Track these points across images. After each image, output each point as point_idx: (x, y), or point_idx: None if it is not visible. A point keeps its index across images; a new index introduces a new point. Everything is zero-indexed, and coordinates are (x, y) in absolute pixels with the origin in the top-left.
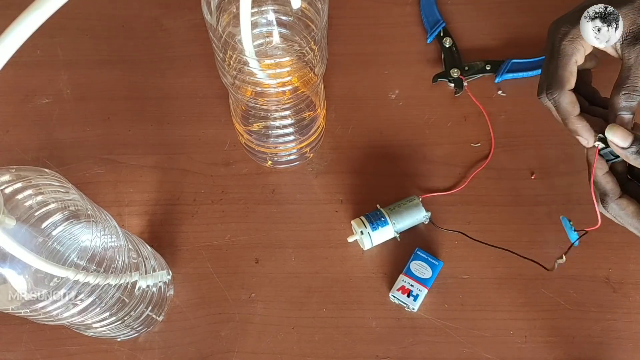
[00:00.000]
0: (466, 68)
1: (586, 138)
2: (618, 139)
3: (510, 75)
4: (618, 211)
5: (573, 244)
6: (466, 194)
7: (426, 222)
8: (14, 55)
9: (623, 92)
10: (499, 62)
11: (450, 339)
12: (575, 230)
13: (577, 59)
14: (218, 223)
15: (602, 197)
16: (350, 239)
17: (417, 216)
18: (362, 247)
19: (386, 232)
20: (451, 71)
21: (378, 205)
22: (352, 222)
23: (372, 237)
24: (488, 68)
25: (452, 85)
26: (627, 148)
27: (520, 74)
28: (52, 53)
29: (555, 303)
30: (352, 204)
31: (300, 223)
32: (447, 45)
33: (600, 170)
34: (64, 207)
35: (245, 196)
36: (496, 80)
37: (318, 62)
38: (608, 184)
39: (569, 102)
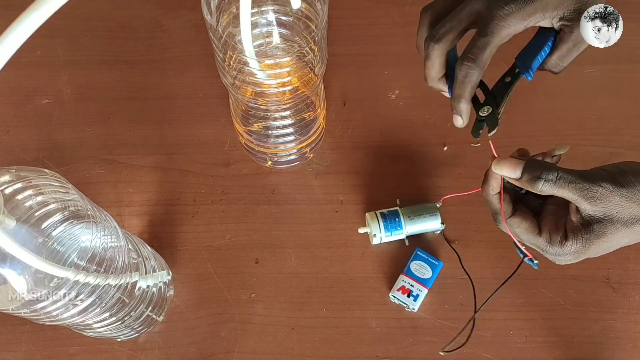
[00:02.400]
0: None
1: (463, 120)
2: (507, 171)
3: None
4: (513, 229)
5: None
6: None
7: (437, 233)
8: (14, 56)
9: (460, 61)
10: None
11: (450, 338)
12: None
13: (503, 42)
14: (218, 223)
15: (495, 216)
16: (361, 230)
17: (432, 227)
18: (370, 239)
19: (397, 236)
20: (480, 110)
21: (398, 202)
22: (367, 215)
23: (382, 240)
24: (507, 80)
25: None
26: (520, 178)
27: None
28: (52, 53)
29: (555, 303)
30: (352, 204)
31: (300, 223)
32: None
33: (493, 189)
34: (64, 208)
35: (245, 196)
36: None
37: (318, 63)
38: (498, 203)
39: (477, 82)
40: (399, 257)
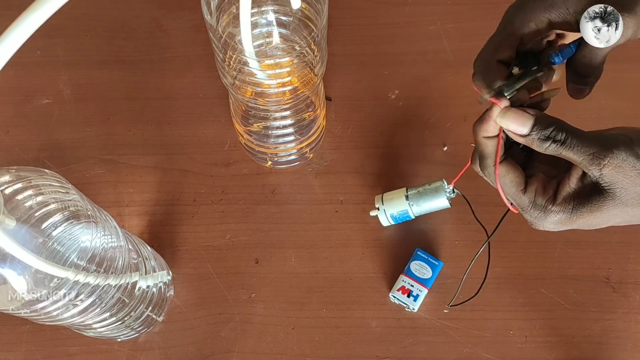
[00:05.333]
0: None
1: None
2: (514, 125)
3: None
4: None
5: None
6: (466, 194)
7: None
8: (14, 56)
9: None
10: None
11: (450, 339)
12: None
13: (521, 34)
14: (218, 223)
15: (481, 160)
16: (373, 213)
17: (439, 206)
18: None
19: (405, 220)
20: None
21: (407, 194)
22: (376, 198)
23: (390, 223)
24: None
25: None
26: (527, 135)
27: None
28: (52, 53)
29: (555, 303)
30: (352, 204)
31: (300, 223)
32: None
33: (488, 133)
34: (64, 208)
35: (245, 196)
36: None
37: (318, 63)
38: (489, 146)
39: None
40: (399, 257)
